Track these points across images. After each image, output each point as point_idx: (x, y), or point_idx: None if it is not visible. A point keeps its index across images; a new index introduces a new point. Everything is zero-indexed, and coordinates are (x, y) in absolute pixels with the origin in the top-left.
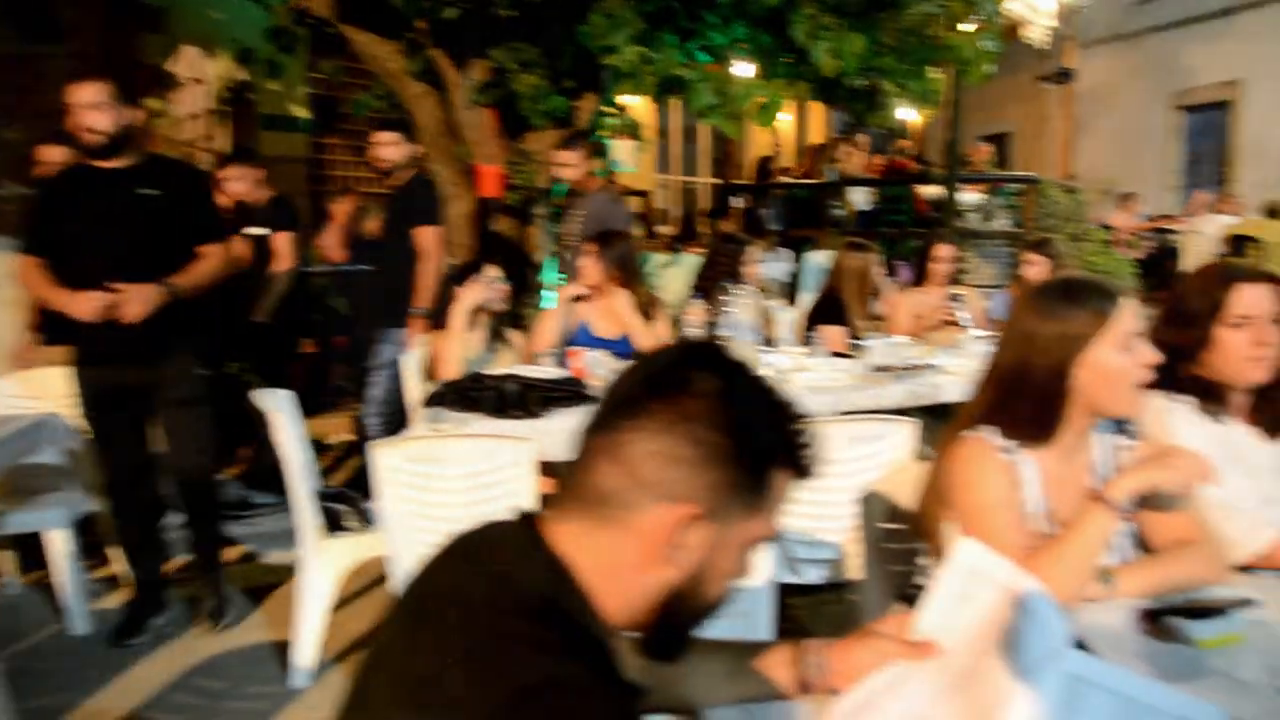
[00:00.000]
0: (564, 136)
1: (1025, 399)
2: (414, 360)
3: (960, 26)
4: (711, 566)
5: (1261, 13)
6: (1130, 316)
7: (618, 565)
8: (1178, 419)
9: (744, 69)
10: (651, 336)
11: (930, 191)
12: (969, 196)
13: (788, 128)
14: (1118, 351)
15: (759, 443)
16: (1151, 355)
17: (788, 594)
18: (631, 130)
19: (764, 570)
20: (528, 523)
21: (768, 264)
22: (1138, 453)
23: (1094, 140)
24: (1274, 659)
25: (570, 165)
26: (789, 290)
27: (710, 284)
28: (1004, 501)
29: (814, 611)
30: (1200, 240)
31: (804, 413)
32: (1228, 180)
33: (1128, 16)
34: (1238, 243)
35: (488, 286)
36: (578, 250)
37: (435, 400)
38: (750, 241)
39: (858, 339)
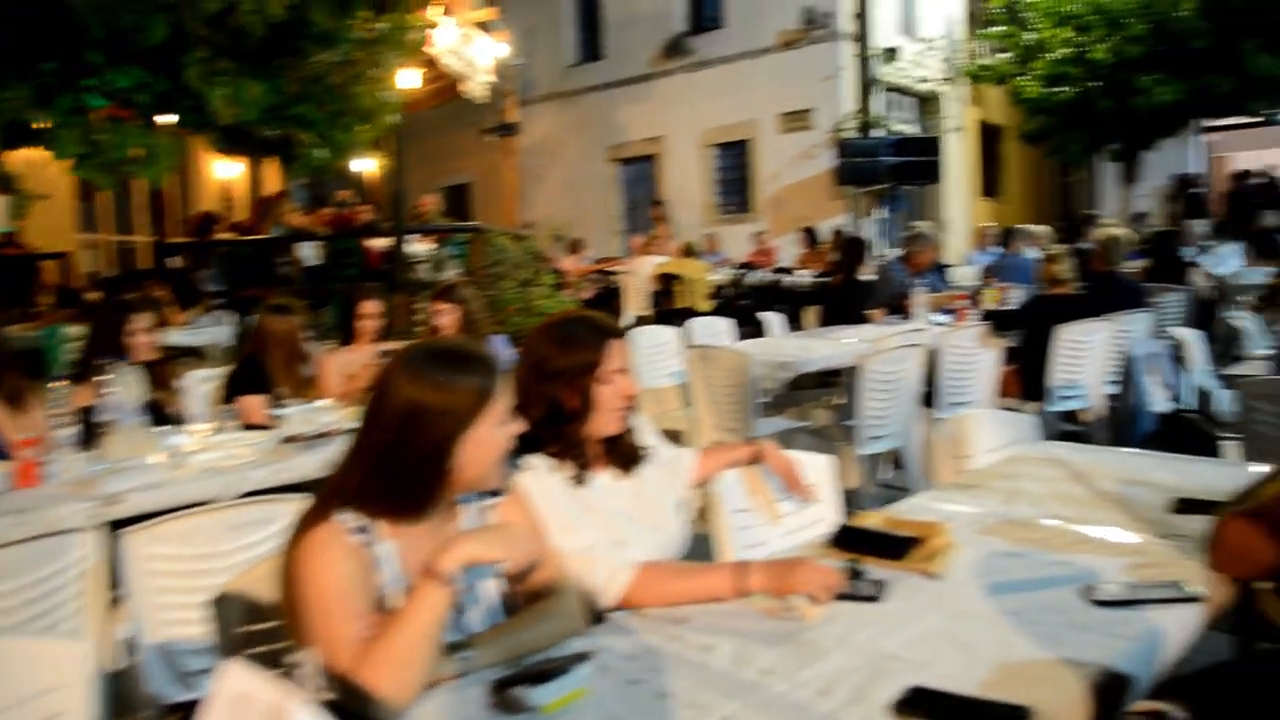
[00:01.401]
0: None
1: (399, 477)
2: None
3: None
4: None
5: (673, 80)
6: (507, 394)
7: None
8: (533, 479)
9: (167, 117)
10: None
11: (380, 244)
12: (420, 248)
13: (240, 180)
14: (497, 426)
15: None
16: (519, 425)
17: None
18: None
19: None
20: None
21: (196, 330)
22: (494, 514)
23: (546, 189)
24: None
25: None
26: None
27: (93, 359)
28: (346, 591)
29: None
30: (637, 279)
31: None
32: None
33: (566, 77)
34: (666, 280)
35: None
36: None
37: None
38: (136, 308)
39: (280, 407)
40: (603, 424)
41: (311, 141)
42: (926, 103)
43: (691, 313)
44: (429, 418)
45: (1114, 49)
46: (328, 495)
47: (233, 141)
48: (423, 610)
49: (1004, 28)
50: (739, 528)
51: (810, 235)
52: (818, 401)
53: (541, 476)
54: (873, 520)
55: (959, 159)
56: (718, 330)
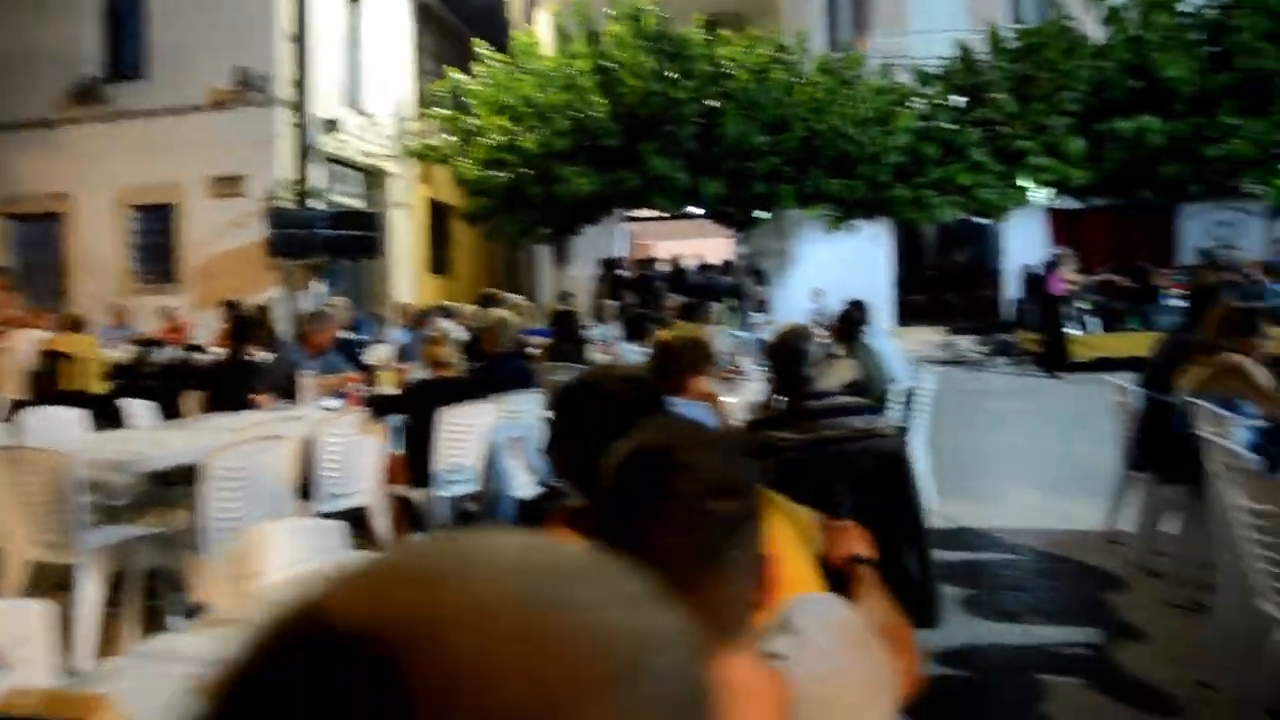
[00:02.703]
0: None
1: None
2: None
3: None
4: None
5: (83, 129)
6: None
7: None
8: None
9: None
10: None
11: None
12: None
13: None
14: None
15: None
16: None
17: None
18: None
19: None
20: None
21: None
22: None
23: None
24: None
25: None
26: None
27: None
28: None
29: None
30: (15, 357)
31: None
32: (65, 292)
33: None
34: (52, 358)
35: None
36: None
37: None
38: None
39: None
40: None
41: None
42: (374, 178)
43: (83, 396)
44: None
45: (542, 140)
46: None
47: None
48: None
49: (448, 111)
50: None
51: (232, 309)
52: (180, 502)
53: None
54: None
55: (406, 235)
56: (66, 421)
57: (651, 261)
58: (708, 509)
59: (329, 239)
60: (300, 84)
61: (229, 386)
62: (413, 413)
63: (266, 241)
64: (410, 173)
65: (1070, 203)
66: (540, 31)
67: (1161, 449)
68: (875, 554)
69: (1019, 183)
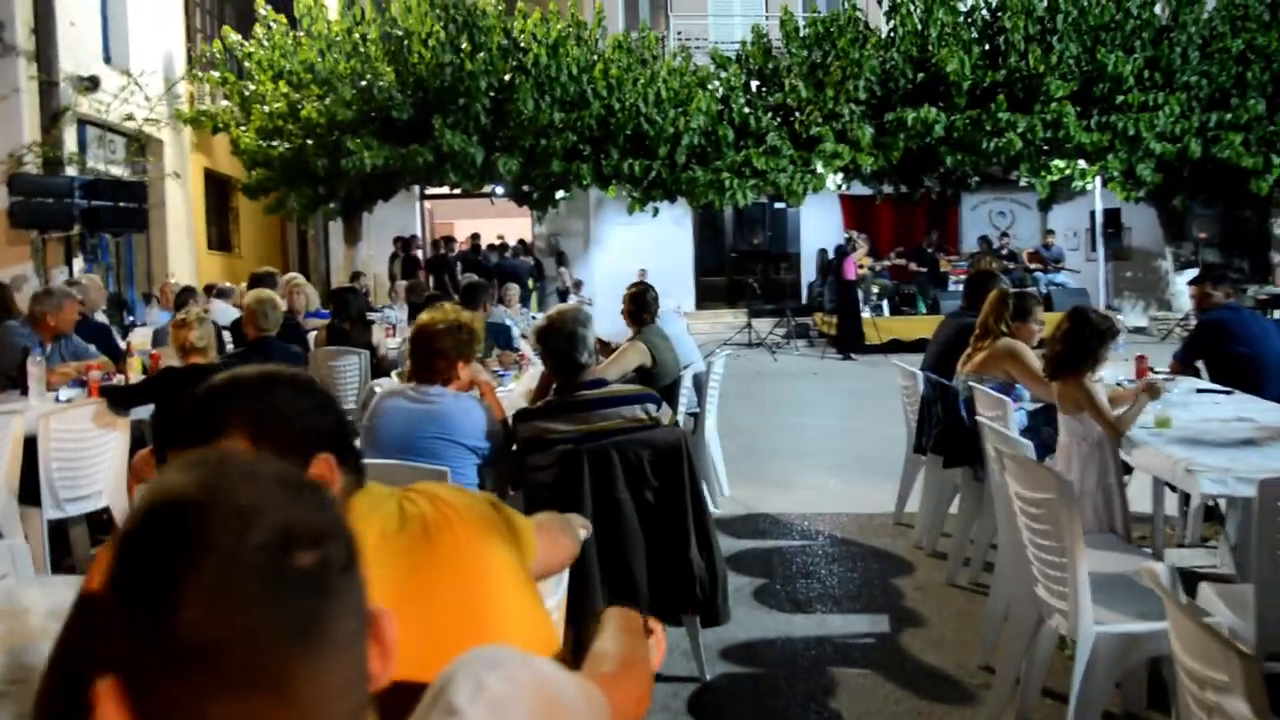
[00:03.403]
0: None
1: None
2: None
3: None
4: None
5: None
6: None
7: None
8: None
9: None
10: None
11: None
12: None
13: None
14: None
15: None
16: None
17: None
18: None
19: None
20: None
21: None
22: None
23: None
24: None
25: None
26: None
27: None
28: None
29: None
30: None
31: None
32: None
33: None
34: None
35: None
36: None
37: None
38: None
39: None
40: None
41: None
42: (143, 145)
43: None
44: None
45: (325, 110)
46: None
47: None
48: None
49: (223, 74)
50: None
51: None
52: None
53: None
54: None
55: (182, 208)
56: None
57: (450, 241)
58: (281, 568)
59: (85, 210)
60: (44, 34)
61: None
62: (158, 404)
63: (7, 211)
64: (185, 141)
65: (861, 190)
66: None
67: (944, 432)
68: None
69: (815, 168)
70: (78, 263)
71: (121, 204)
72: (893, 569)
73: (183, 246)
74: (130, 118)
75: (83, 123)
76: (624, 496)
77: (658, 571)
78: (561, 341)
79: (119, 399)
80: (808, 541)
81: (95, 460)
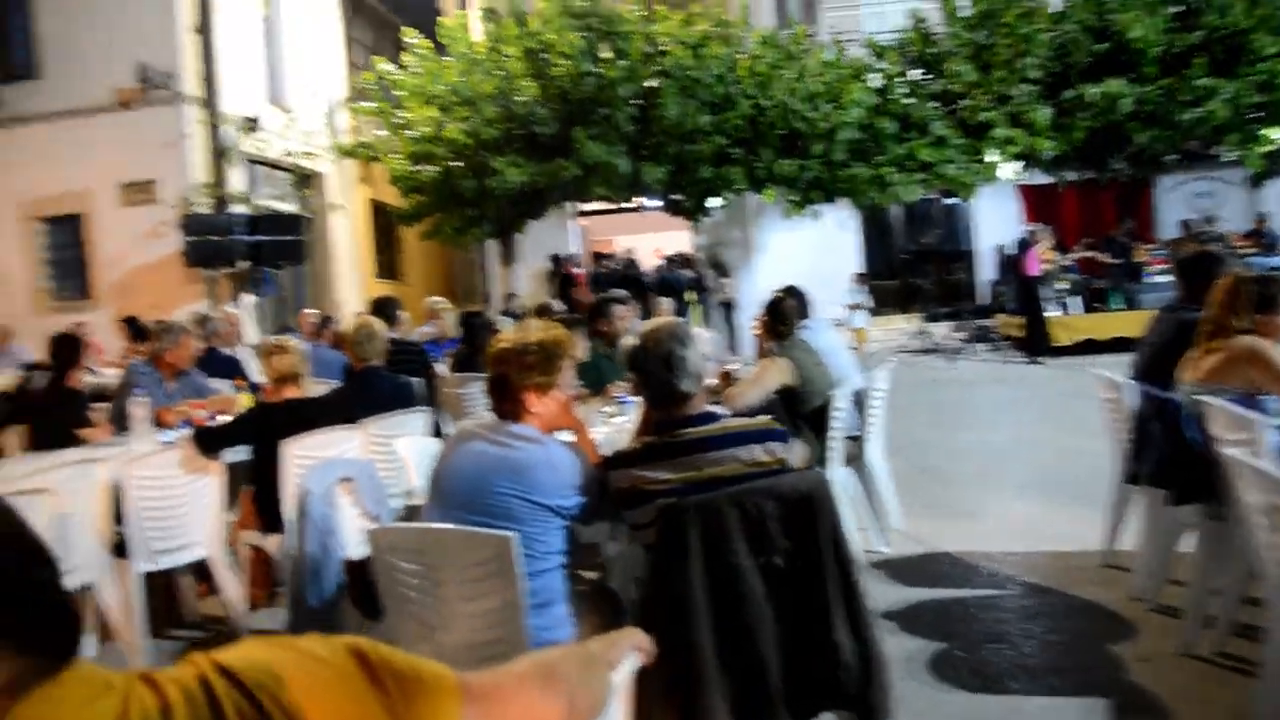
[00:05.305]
0: None
1: None
2: None
3: None
4: None
5: None
6: None
7: None
8: None
9: None
10: None
11: None
12: None
13: None
14: None
15: None
16: None
17: None
18: None
19: None
20: None
21: None
22: None
23: None
24: None
25: None
26: None
27: None
28: None
29: None
30: None
31: None
32: None
33: None
34: None
35: None
36: None
37: None
38: None
39: None
40: None
41: None
42: (305, 179)
43: None
44: None
45: (469, 130)
46: None
47: None
48: None
49: (376, 104)
50: None
51: (132, 326)
52: None
53: None
54: None
55: (348, 239)
56: None
57: (607, 257)
58: None
59: (249, 245)
60: (209, 79)
61: (52, 419)
62: (254, 444)
63: (183, 251)
64: (348, 173)
65: (1041, 178)
66: (471, 16)
67: (1166, 460)
68: None
69: (985, 157)
70: (246, 297)
71: (280, 238)
72: (1106, 630)
73: (351, 276)
74: (290, 153)
75: (251, 161)
76: (744, 562)
77: (793, 658)
78: (657, 365)
79: (208, 441)
80: (996, 591)
81: (186, 508)
